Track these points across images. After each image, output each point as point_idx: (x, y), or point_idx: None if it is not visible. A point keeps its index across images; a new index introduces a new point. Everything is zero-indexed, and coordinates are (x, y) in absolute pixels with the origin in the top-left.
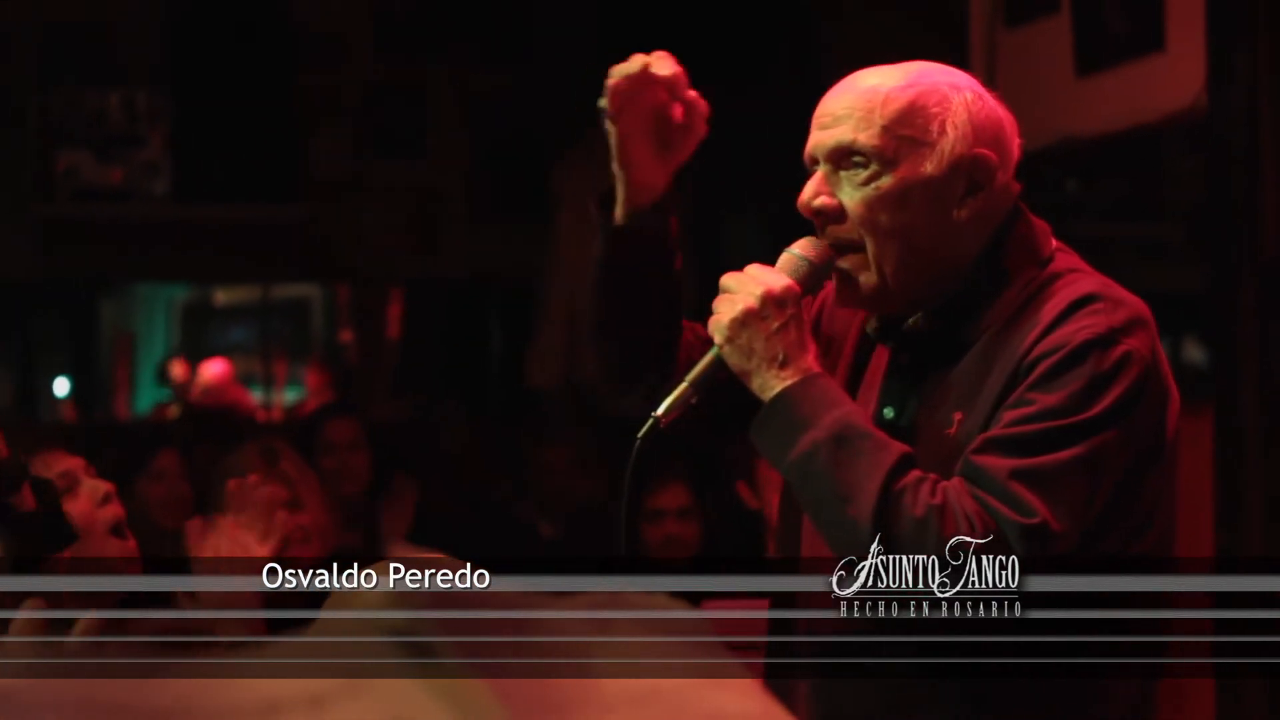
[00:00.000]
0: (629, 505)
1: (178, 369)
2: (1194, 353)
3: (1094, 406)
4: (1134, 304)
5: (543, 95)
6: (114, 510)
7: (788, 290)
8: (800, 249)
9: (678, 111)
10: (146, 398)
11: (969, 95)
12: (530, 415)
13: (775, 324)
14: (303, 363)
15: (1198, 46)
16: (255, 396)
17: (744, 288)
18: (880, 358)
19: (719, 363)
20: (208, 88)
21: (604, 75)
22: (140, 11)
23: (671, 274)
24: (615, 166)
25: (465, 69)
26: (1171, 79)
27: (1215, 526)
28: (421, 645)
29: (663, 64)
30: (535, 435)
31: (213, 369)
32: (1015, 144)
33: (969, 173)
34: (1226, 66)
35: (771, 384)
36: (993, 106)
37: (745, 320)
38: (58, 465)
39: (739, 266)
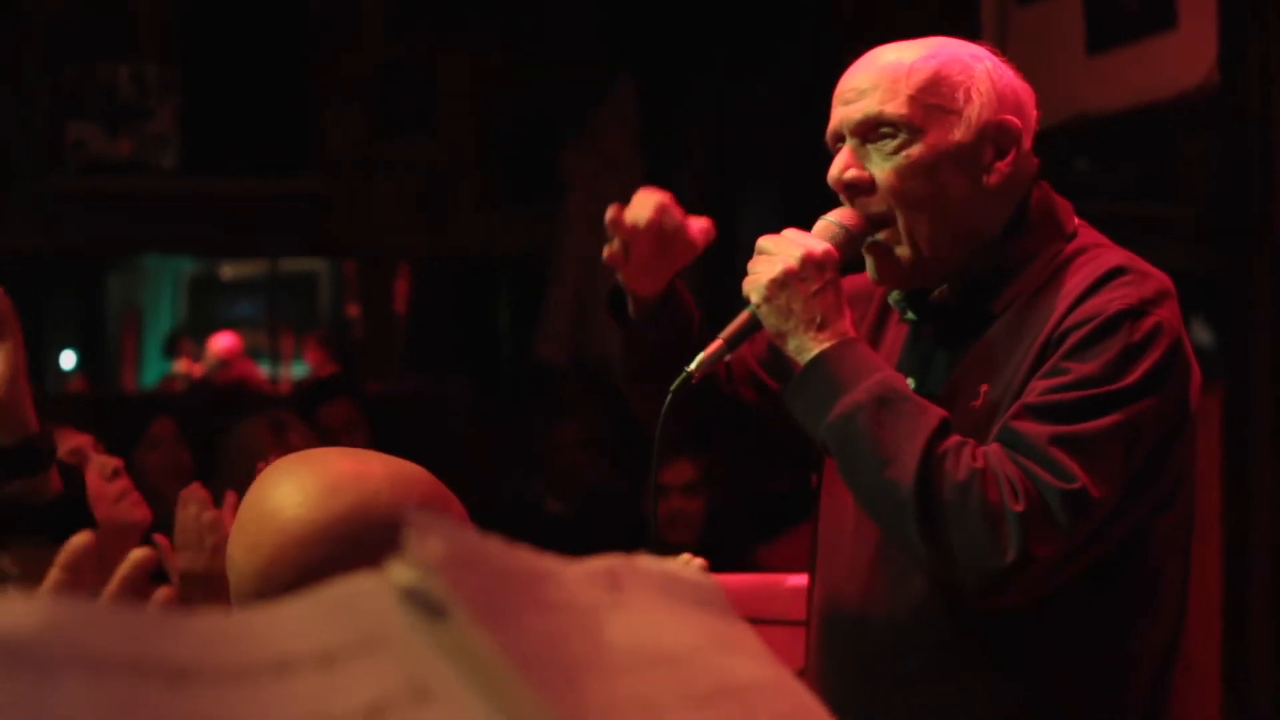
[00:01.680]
0: (658, 459)
1: (182, 365)
2: (1205, 333)
3: (1129, 375)
4: (1160, 277)
5: (552, 76)
6: (122, 484)
7: (827, 254)
8: (837, 216)
9: (694, 237)
10: (153, 370)
11: (989, 64)
12: (538, 393)
13: (814, 286)
14: (310, 337)
15: (1209, 24)
16: (262, 371)
17: (783, 249)
18: (898, 333)
19: (754, 321)
20: (218, 62)
21: (614, 57)
22: None
23: (690, 330)
24: (622, 279)
25: (477, 49)
26: (1183, 57)
27: (1223, 506)
28: (432, 605)
29: (669, 214)
30: (543, 413)
31: (222, 341)
32: (1034, 113)
33: (995, 139)
34: (1238, 44)
35: (809, 346)
36: (1012, 75)
37: (785, 280)
38: (67, 443)
39: (754, 239)
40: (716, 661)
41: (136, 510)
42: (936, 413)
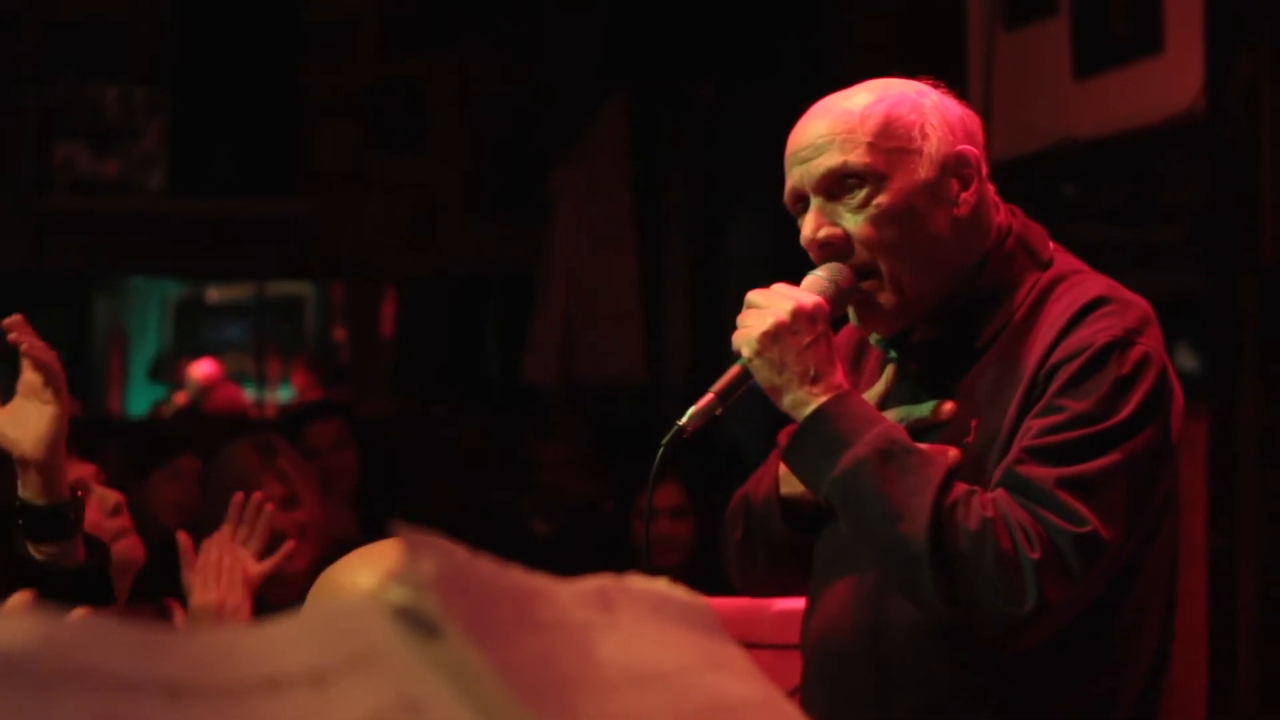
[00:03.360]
0: (650, 509)
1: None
2: (1191, 357)
3: (1123, 410)
4: (1141, 303)
5: (542, 95)
6: (120, 522)
7: (818, 307)
8: (825, 271)
9: None
10: (139, 393)
11: (935, 97)
12: (525, 412)
13: (807, 339)
14: (296, 361)
15: (1196, 49)
16: (249, 394)
17: (773, 302)
18: (874, 371)
19: (745, 374)
20: (207, 82)
21: (605, 75)
22: (141, 5)
23: None
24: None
25: (467, 68)
26: (1170, 81)
27: (1209, 530)
28: (426, 624)
29: None
30: (531, 433)
31: (203, 368)
32: (983, 139)
33: (956, 171)
34: (1225, 69)
35: (805, 400)
36: (957, 105)
37: (777, 333)
38: (70, 472)
39: (742, 266)
40: (707, 680)
41: (132, 550)
42: (941, 463)
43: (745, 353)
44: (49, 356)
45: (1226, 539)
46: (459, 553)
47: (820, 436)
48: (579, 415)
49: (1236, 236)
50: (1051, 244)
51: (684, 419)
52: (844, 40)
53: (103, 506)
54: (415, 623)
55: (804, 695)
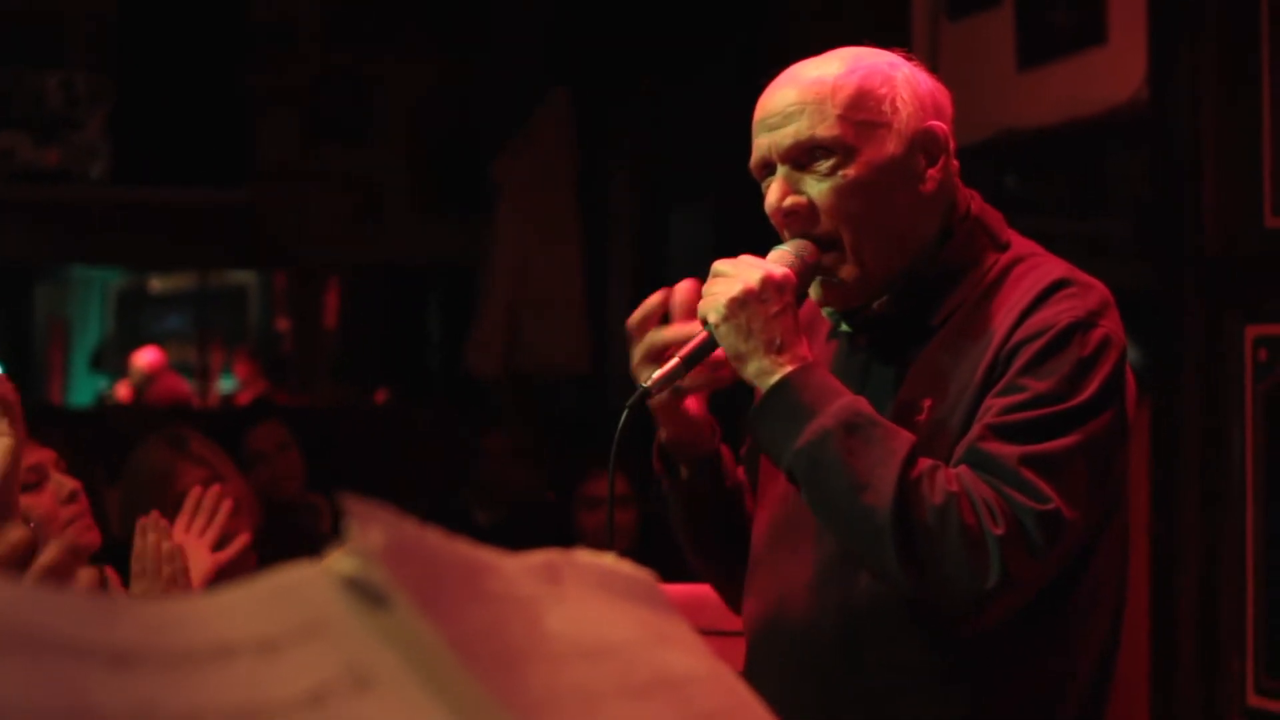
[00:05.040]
0: (613, 472)
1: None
2: (1134, 348)
3: (1084, 391)
4: (1100, 287)
5: (486, 86)
6: (75, 509)
7: (786, 278)
8: (791, 247)
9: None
10: (81, 383)
11: (907, 70)
12: (468, 404)
13: (774, 308)
14: (238, 351)
15: (1139, 39)
16: (191, 385)
17: (742, 271)
18: (826, 348)
19: (710, 342)
20: (150, 71)
21: (549, 67)
22: None
23: (738, 491)
24: (669, 436)
25: (410, 59)
26: (1113, 72)
27: (1150, 517)
28: (374, 593)
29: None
30: (472, 423)
31: (145, 356)
32: (951, 113)
33: (925, 147)
34: (1168, 60)
35: (770, 369)
36: (928, 79)
37: (745, 300)
38: (28, 457)
39: (686, 257)
40: (654, 654)
41: (85, 534)
42: (906, 437)
43: (712, 318)
44: (6, 389)
45: (1168, 525)
46: (407, 524)
47: (785, 406)
48: (522, 406)
49: (1179, 227)
50: (1008, 229)
51: (649, 382)
52: (787, 33)
53: (58, 493)
54: (364, 592)
55: (750, 679)
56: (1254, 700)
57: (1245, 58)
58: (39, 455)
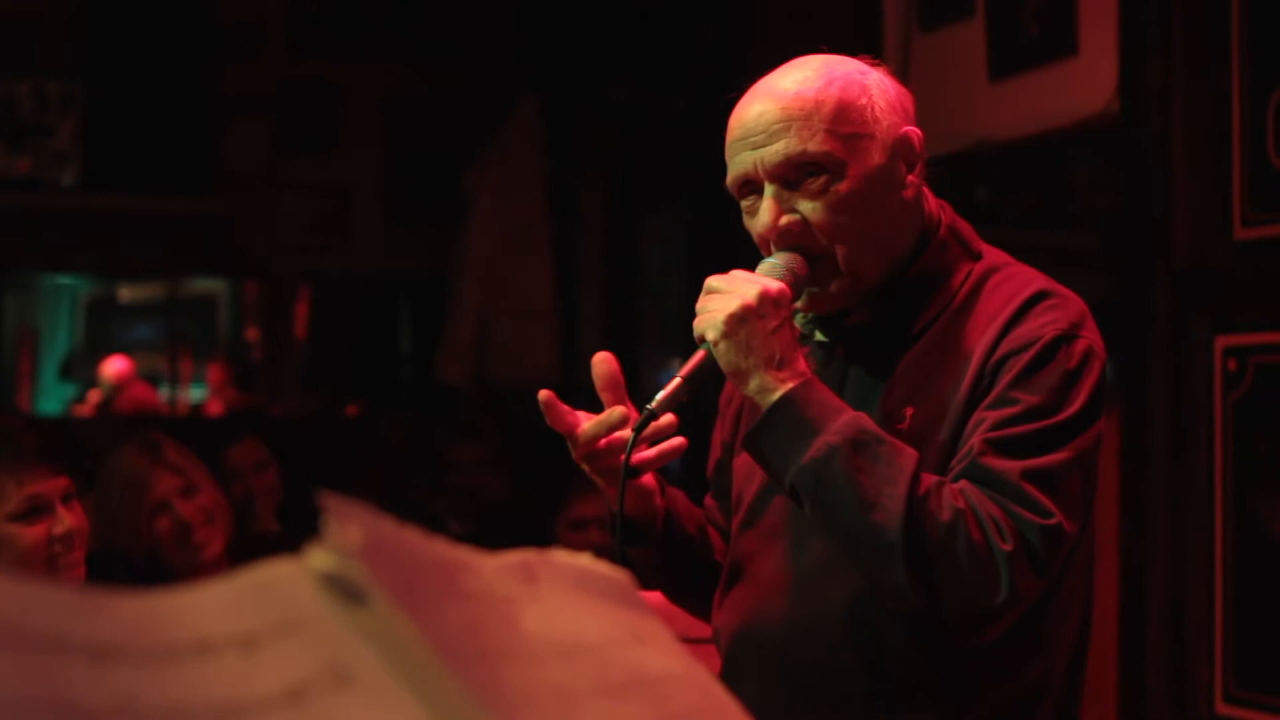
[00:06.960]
0: (622, 497)
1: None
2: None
3: (1073, 404)
4: (1076, 298)
5: (457, 94)
6: (68, 554)
7: (782, 293)
8: (780, 259)
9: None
10: (49, 391)
11: (875, 77)
12: (440, 413)
13: (773, 323)
14: (209, 360)
15: (1110, 52)
16: (161, 394)
17: (737, 287)
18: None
19: (710, 359)
20: (121, 79)
21: (519, 75)
22: (54, 1)
23: (700, 537)
24: (616, 510)
25: (379, 67)
26: (1084, 84)
27: (1120, 527)
28: (352, 590)
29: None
30: (445, 433)
31: (115, 365)
32: (915, 117)
33: (903, 154)
34: (1138, 72)
35: (772, 386)
36: (895, 84)
37: (743, 316)
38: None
39: (656, 266)
40: (629, 653)
41: (70, 573)
42: (911, 454)
43: (710, 335)
44: None
45: (1137, 535)
46: (385, 522)
47: (788, 423)
48: (493, 416)
49: (1148, 239)
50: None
51: (653, 404)
52: (758, 42)
53: (53, 530)
54: (342, 589)
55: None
56: (1222, 708)
57: (1215, 70)
58: (46, 485)
